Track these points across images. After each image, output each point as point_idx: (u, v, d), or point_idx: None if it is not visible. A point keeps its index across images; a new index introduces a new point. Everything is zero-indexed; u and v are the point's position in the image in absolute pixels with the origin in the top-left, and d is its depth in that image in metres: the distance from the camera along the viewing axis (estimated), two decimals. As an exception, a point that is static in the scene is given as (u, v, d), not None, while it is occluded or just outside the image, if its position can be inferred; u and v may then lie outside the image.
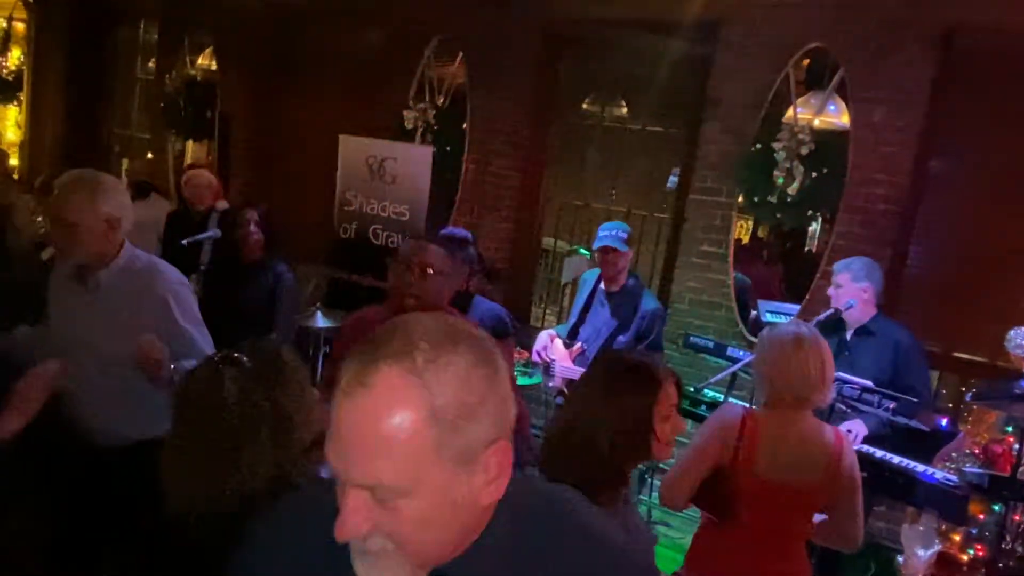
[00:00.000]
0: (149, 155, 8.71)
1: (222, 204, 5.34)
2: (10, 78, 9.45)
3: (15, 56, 9.55)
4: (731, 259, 5.20)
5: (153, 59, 8.75)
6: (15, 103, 9.65)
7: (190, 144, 8.51)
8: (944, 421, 4.04)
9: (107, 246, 2.59)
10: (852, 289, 3.79)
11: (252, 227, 4.28)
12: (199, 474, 1.57)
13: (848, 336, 3.83)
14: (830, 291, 3.88)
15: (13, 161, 9.21)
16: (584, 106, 6.55)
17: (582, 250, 6.59)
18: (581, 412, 1.93)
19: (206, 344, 2.68)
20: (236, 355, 1.66)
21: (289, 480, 1.58)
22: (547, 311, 6.75)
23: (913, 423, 3.44)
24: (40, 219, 5.27)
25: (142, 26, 9.04)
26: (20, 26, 9.54)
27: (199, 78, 8.02)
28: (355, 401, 0.93)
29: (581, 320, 4.39)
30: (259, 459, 1.57)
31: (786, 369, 2.48)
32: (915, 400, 3.40)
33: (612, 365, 2.04)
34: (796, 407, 2.52)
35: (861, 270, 3.80)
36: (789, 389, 2.49)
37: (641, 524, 2.40)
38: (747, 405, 3.48)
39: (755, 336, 4.93)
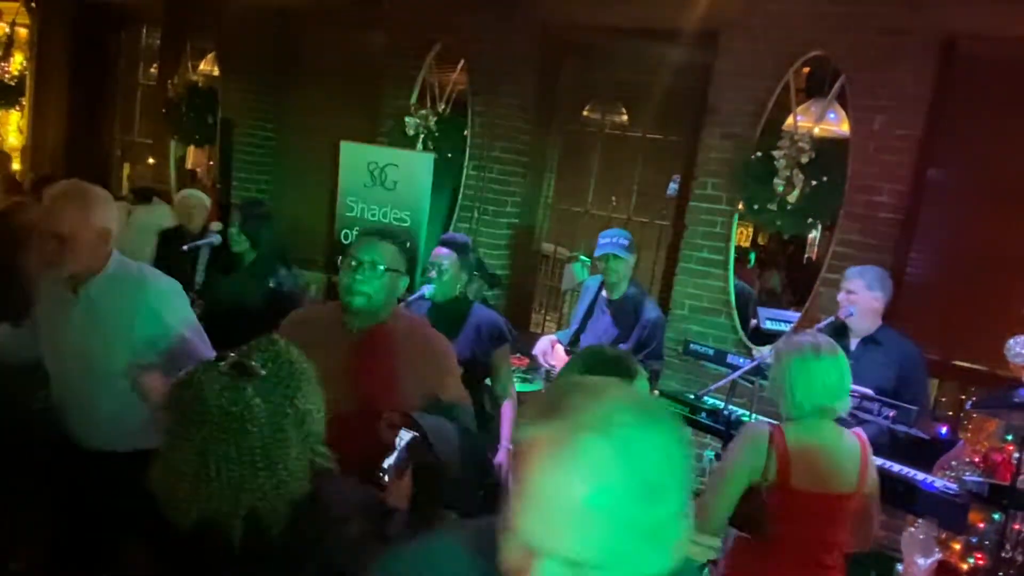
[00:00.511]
0: (151, 160, 8.72)
1: (216, 226, 5.30)
2: (12, 83, 9.46)
3: (17, 61, 9.56)
4: (731, 266, 5.20)
5: (155, 64, 8.75)
6: (17, 108, 9.66)
7: (192, 149, 8.52)
8: (944, 429, 4.03)
9: (97, 258, 2.58)
10: (865, 297, 3.75)
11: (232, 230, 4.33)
12: (229, 487, 1.55)
13: (852, 345, 3.78)
14: (840, 296, 3.84)
15: (15, 166, 9.23)
16: (585, 113, 6.56)
17: (583, 257, 6.60)
18: None
19: (205, 348, 2.66)
20: (247, 363, 1.63)
21: (318, 469, 1.64)
22: (547, 318, 6.75)
23: (913, 431, 3.43)
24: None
25: (144, 32, 9.06)
26: (23, 31, 9.56)
27: (201, 84, 8.03)
28: (560, 473, 0.92)
29: (583, 327, 4.38)
30: (293, 462, 1.60)
31: (807, 379, 2.45)
32: (914, 408, 3.39)
33: (592, 358, 2.11)
34: (819, 417, 2.48)
35: (875, 280, 3.77)
36: (811, 399, 2.46)
37: None
38: (756, 417, 3.47)
39: (755, 344, 4.93)
